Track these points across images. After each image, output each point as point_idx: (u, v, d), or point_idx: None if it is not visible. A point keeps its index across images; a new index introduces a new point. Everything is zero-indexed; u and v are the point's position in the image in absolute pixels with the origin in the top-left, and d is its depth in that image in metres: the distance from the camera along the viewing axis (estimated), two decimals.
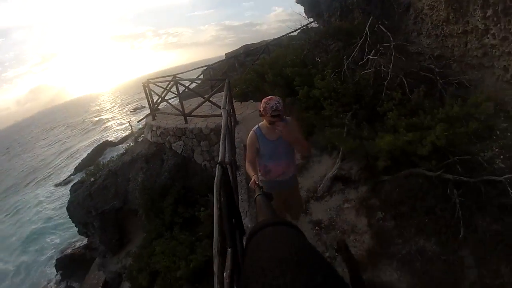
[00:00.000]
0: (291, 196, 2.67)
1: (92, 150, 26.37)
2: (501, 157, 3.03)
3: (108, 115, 58.24)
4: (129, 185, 7.67)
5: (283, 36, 9.09)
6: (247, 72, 7.87)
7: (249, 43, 15.27)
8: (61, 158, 33.70)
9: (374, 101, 3.68)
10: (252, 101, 7.12)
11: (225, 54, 16.05)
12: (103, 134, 37.78)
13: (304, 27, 7.00)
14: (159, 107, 8.22)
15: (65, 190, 22.80)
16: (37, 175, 30.50)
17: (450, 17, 3.65)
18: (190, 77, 9.33)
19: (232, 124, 5.58)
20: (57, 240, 16.55)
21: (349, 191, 3.64)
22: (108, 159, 14.22)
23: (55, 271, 13.58)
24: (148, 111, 8.07)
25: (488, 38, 3.32)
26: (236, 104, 7.01)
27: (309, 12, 6.27)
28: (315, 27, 6.95)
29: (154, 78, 7.41)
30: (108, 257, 9.22)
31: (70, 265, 12.85)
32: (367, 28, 4.19)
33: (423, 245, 2.77)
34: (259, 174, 2.50)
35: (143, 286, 5.19)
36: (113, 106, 76.44)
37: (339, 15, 5.20)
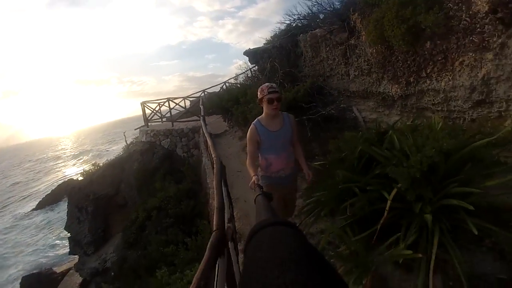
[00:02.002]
0: (288, 194, 2.62)
1: (57, 187, 25.64)
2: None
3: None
4: (123, 174, 9.95)
5: (234, 77, 12.90)
6: (212, 96, 11.23)
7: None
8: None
9: None
10: (214, 115, 10.35)
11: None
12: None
13: (248, 70, 10.75)
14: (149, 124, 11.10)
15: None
16: None
17: (313, 55, 7.14)
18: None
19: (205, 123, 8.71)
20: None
21: None
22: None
23: None
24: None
25: (330, 61, 6.74)
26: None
27: (252, 60, 9.88)
28: (255, 69, 10.73)
29: (149, 101, 10.46)
30: (90, 253, 10.23)
31: (36, 285, 12.52)
32: (268, 64, 7.88)
33: None
34: (260, 169, 2.48)
35: (142, 218, 7.07)
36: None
37: (268, 61, 8.80)
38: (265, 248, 0.37)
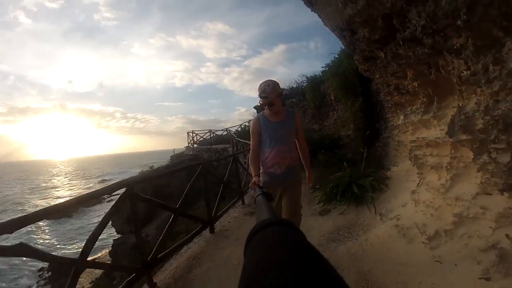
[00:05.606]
0: (285, 194, 2.36)
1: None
2: None
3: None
4: (174, 175, 15.58)
5: (248, 121, 18.95)
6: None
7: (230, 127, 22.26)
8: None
9: None
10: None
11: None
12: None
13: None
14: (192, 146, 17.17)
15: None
16: None
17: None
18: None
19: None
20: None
21: None
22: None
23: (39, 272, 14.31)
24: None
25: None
26: None
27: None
28: None
29: (195, 130, 16.73)
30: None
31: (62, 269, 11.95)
32: None
33: None
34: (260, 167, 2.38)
35: None
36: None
37: None
38: (265, 248, 0.36)
